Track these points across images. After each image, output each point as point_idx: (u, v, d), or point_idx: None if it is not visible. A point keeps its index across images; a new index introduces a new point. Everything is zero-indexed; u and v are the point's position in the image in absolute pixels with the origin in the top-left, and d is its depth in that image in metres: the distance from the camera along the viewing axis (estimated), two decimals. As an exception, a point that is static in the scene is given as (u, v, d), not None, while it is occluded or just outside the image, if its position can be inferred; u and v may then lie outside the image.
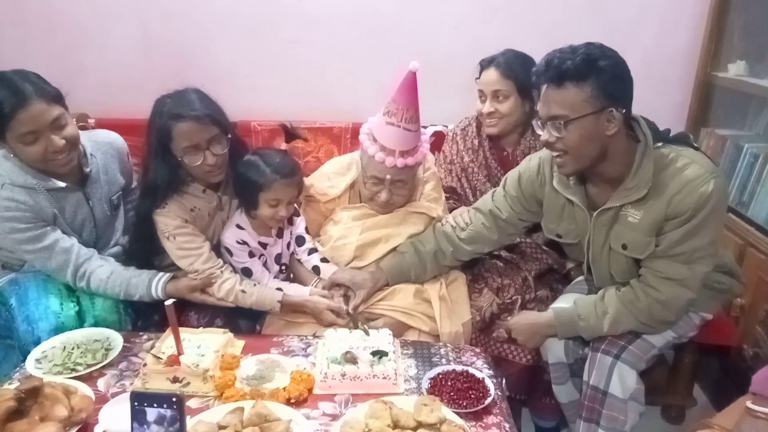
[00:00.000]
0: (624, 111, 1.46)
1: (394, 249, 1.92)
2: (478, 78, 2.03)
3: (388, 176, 1.80)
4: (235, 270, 1.84)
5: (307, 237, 1.96)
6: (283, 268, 1.96)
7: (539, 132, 1.53)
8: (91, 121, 2.42)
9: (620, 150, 1.50)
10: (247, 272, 1.84)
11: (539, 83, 1.50)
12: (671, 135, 1.60)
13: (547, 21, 2.43)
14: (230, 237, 1.83)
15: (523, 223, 1.85)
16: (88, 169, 1.79)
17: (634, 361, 1.57)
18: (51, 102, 1.61)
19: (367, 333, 1.63)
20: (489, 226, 1.84)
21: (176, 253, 1.78)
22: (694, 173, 1.46)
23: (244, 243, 1.83)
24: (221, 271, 1.79)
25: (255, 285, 1.81)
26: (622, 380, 1.56)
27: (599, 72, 1.41)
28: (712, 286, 1.66)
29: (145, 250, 1.84)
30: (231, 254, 1.84)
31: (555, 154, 1.52)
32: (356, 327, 1.69)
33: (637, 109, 2.49)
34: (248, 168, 1.75)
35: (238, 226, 1.83)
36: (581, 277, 1.85)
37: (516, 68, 1.92)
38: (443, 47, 2.46)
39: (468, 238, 1.86)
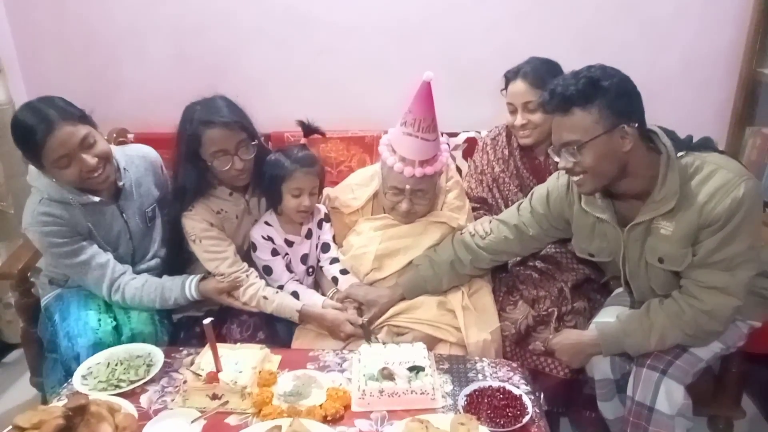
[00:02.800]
0: (637, 125, 1.43)
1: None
2: (504, 90, 1.99)
3: (407, 186, 1.81)
4: (259, 273, 1.90)
5: (333, 245, 2.00)
6: (311, 270, 2.00)
7: (555, 159, 1.52)
8: (130, 136, 2.47)
9: (641, 164, 1.48)
10: (267, 270, 1.90)
11: (546, 113, 1.50)
12: (694, 141, 1.55)
13: (579, 22, 2.37)
14: (257, 231, 1.90)
15: (549, 239, 1.84)
16: (121, 183, 1.84)
17: (681, 376, 1.53)
18: (77, 123, 1.66)
19: (379, 342, 1.68)
20: (512, 239, 1.82)
21: (203, 255, 1.85)
22: (722, 180, 1.43)
23: (269, 239, 1.89)
24: (246, 275, 1.84)
25: (277, 292, 1.86)
26: (669, 396, 1.52)
27: (604, 92, 1.40)
28: (759, 292, 1.60)
29: (179, 258, 1.91)
30: (255, 249, 1.90)
31: (575, 178, 1.51)
32: (368, 340, 1.73)
33: (677, 110, 2.45)
34: (270, 165, 1.85)
35: (267, 223, 1.91)
36: (621, 289, 1.80)
37: (544, 76, 1.87)
38: (474, 53, 2.43)
39: (487, 248, 1.84)
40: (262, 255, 1.90)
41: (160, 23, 2.49)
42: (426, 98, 1.72)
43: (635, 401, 1.55)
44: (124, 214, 1.86)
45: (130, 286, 1.79)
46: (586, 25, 2.37)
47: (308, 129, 1.95)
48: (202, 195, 1.84)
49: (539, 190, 1.80)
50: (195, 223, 1.82)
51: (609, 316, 1.70)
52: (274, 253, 1.90)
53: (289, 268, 1.94)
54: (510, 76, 1.97)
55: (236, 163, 1.76)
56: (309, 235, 1.96)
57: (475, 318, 1.82)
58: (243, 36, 2.49)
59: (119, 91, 2.56)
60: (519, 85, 1.93)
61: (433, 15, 2.41)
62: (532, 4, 2.38)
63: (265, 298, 1.83)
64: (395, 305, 1.86)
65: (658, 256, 1.54)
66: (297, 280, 1.95)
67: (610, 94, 1.40)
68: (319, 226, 1.99)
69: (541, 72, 1.90)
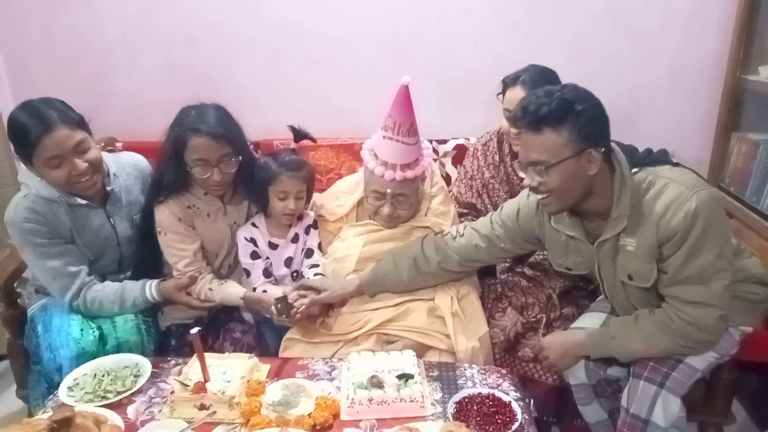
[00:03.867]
0: (603, 150, 1.44)
1: None
2: (501, 95, 1.99)
3: (388, 190, 1.82)
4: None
5: (317, 252, 2.01)
6: (295, 275, 2.00)
7: (522, 175, 1.51)
8: (119, 144, 2.46)
9: (605, 185, 1.49)
10: (246, 273, 1.94)
11: (517, 129, 1.49)
12: (652, 155, 1.55)
13: (568, 33, 2.40)
14: (242, 232, 1.94)
15: (522, 251, 1.84)
16: (110, 188, 1.85)
17: (677, 388, 1.52)
18: (74, 127, 1.68)
19: (290, 315, 1.73)
20: (483, 248, 1.80)
21: (166, 249, 1.87)
22: (673, 194, 1.43)
23: (252, 240, 1.92)
24: (200, 273, 1.87)
25: (222, 284, 1.88)
26: (666, 409, 1.51)
27: (576, 115, 1.40)
28: (746, 297, 1.60)
29: (150, 255, 1.92)
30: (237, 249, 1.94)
31: (540, 196, 1.51)
32: (287, 314, 1.73)
33: (664, 118, 2.47)
34: (259, 168, 1.88)
35: (253, 225, 1.94)
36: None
37: (542, 84, 1.86)
38: (464, 62, 2.45)
39: (456, 250, 1.82)
40: (243, 257, 1.93)
41: (150, 34, 2.50)
42: (405, 102, 1.73)
43: (630, 413, 1.54)
44: (111, 219, 1.86)
45: (91, 291, 1.79)
46: (575, 36, 2.40)
47: (299, 134, 1.97)
48: (178, 192, 1.87)
49: (509, 205, 1.79)
50: (164, 216, 1.85)
51: (587, 321, 1.70)
52: (254, 256, 1.93)
53: (268, 272, 1.95)
54: (508, 82, 1.97)
55: (215, 174, 1.78)
56: (295, 239, 1.98)
57: (463, 325, 1.81)
58: (233, 46, 2.50)
59: (109, 101, 2.56)
60: (517, 92, 1.92)
61: (422, 25, 2.43)
62: (521, 16, 2.41)
63: (210, 290, 1.86)
64: (382, 309, 1.85)
65: (627, 273, 1.55)
66: (274, 285, 1.95)
67: (582, 117, 1.40)
68: (307, 231, 2.01)
69: (539, 80, 1.89)
